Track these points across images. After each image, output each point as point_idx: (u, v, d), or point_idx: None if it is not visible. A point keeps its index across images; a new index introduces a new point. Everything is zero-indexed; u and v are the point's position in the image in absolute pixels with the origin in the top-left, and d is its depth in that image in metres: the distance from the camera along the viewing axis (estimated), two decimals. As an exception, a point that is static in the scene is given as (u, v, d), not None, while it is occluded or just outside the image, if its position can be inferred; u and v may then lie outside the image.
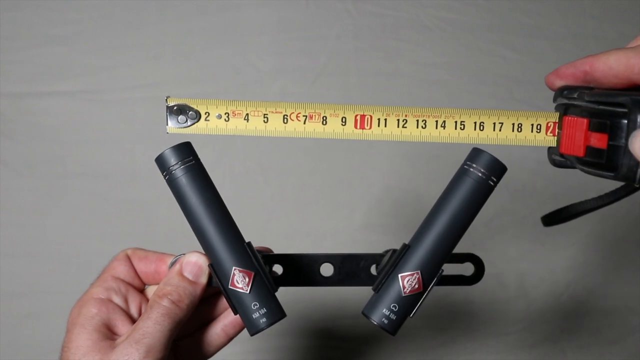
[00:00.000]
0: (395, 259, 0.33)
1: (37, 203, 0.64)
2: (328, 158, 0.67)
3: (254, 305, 0.33)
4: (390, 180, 0.67)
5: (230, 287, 0.33)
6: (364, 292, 0.65)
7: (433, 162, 0.68)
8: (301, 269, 0.38)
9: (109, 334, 0.33)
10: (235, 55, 0.70)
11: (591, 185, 0.68)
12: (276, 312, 0.33)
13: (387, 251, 0.36)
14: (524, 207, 0.67)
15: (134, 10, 0.71)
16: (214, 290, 0.37)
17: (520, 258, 0.66)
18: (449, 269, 0.36)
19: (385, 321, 0.33)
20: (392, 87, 0.70)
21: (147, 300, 0.36)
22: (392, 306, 0.33)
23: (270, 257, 0.37)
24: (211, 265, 0.34)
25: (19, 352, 0.60)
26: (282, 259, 0.38)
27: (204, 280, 0.34)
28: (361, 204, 0.66)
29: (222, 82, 0.69)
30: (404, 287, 0.33)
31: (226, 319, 0.37)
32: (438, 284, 0.34)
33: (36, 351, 0.60)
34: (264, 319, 0.33)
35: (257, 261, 0.34)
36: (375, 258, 0.37)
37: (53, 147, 0.66)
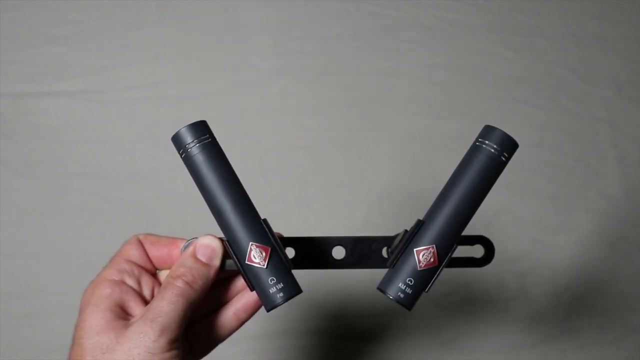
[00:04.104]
0: (410, 234, 0.34)
1: (37, 203, 0.64)
2: (328, 158, 0.67)
3: (270, 280, 0.33)
4: (390, 180, 0.67)
5: (247, 262, 0.33)
6: (364, 293, 0.66)
7: (434, 162, 0.68)
8: (313, 252, 0.38)
9: (123, 314, 0.33)
10: (235, 55, 0.70)
11: (592, 185, 0.69)
12: (293, 287, 0.34)
13: (398, 234, 0.36)
14: (524, 207, 0.67)
15: (134, 10, 0.71)
16: (226, 274, 0.37)
17: (520, 258, 0.66)
18: (458, 252, 0.36)
19: (401, 295, 0.33)
20: (392, 87, 0.70)
21: (160, 283, 0.36)
22: (408, 280, 0.33)
23: (282, 240, 0.37)
24: (227, 242, 0.34)
25: (19, 352, 0.60)
26: (295, 241, 0.38)
27: (217, 262, 0.35)
28: (361, 204, 0.66)
29: (222, 82, 0.69)
30: (419, 261, 0.33)
31: (238, 303, 0.37)
32: (450, 265, 0.35)
33: (36, 351, 0.60)
34: (281, 294, 0.33)
35: (274, 237, 0.34)
36: (387, 240, 0.37)
37: (53, 147, 0.66)
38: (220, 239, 0.35)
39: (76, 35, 0.70)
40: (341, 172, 0.67)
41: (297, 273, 0.35)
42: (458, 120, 0.69)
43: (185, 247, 0.35)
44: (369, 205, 0.66)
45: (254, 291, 0.34)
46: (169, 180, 0.66)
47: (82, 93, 0.68)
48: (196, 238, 0.35)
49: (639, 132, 0.70)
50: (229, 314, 0.37)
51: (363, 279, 0.63)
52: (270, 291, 0.33)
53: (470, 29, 0.73)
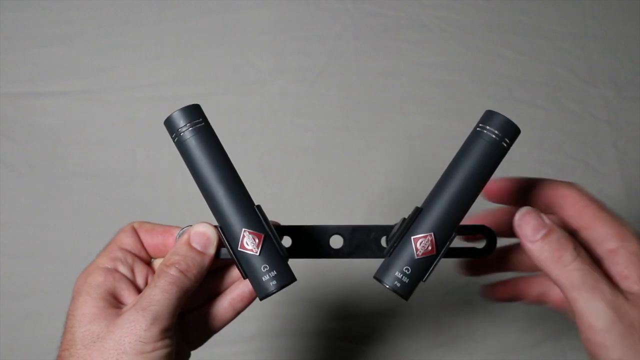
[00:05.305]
0: (408, 222, 0.33)
1: (37, 203, 0.64)
2: (328, 158, 0.67)
3: (263, 267, 0.32)
4: (390, 180, 0.67)
5: (239, 249, 0.33)
6: (363, 293, 0.65)
7: (433, 162, 0.68)
8: (310, 241, 0.37)
9: (115, 302, 0.32)
10: (235, 55, 0.70)
11: (592, 185, 0.69)
12: (286, 275, 0.33)
13: (397, 222, 0.36)
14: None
15: (134, 10, 0.71)
16: (222, 263, 0.36)
17: (520, 258, 0.66)
18: (459, 242, 0.35)
19: (398, 284, 0.32)
20: (392, 87, 0.70)
21: (154, 272, 0.35)
22: (405, 269, 0.32)
23: (279, 229, 0.37)
24: (220, 228, 0.33)
25: (19, 352, 0.60)
26: (292, 230, 0.37)
27: (212, 251, 0.34)
28: (361, 204, 0.66)
29: (222, 82, 0.69)
30: (416, 250, 0.32)
31: (233, 292, 0.36)
32: (450, 255, 0.34)
33: (36, 351, 0.60)
34: (274, 282, 0.32)
35: (267, 224, 0.33)
36: (385, 229, 0.36)
37: (53, 147, 0.66)
38: (215, 226, 0.34)
39: (76, 35, 0.70)
40: (341, 172, 0.67)
41: (297, 270, 0.34)
42: (458, 120, 0.69)
43: (180, 235, 0.35)
44: (369, 205, 0.66)
45: (247, 279, 0.33)
46: (169, 180, 0.66)
47: (82, 93, 0.68)
48: (191, 226, 0.35)
49: (639, 132, 0.70)
50: (225, 303, 0.36)
51: (363, 279, 0.63)
52: (263, 279, 0.32)
53: (470, 29, 0.73)
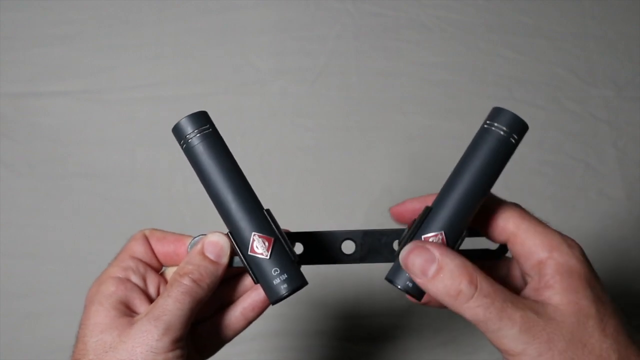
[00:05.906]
0: (418, 222, 0.33)
1: (37, 203, 0.64)
2: (328, 158, 0.67)
3: (274, 271, 0.32)
4: (390, 180, 0.67)
5: (249, 253, 0.33)
6: (363, 293, 0.66)
7: (433, 162, 0.68)
8: (322, 247, 0.37)
9: (127, 312, 0.32)
10: (235, 55, 0.70)
11: (592, 185, 0.69)
12: (297, 279, 0.33)
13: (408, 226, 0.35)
14: (524, 207, 0.67)
15: (134, 10, 0.71)
16: (234, 272, 0.36)
17: (521, 258, 0.66)
18: (473, 244, 0.35)
19: (410, 285, 0.32)
20: (392, 87, 0.70)
21: (166, 281, 0.35)
22: None
23: (289, 236, 0.36)
24: (230, 233, 0.33)
25: (19, 352, 0.60)
26: (302, 236, 0.37)
27: (225, 260, 0.34)
28: (362, 204, 0.66)
29: (222, 82, 0.69)
30: None
31: (245, 302, 0.36)
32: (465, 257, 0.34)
33: (36, 351, 0.60)
34: (285, 285, 0.32)
35: (277, 228, 0.33)
36: (397, 233, 0.36)
37: (53, 147, 0.66)
38: (226, 234, 0.34)
39: (76, 35, 0.70)
40: (341, 172, 0.67)
41: (303, 271, 0.34)
42: (458, 120, 0.69)
43: (193, 244, 0.35)
44: (369, 205, 0.66)
45: (259, 284, 0.33)
46: (169, 180, 0.66)
47: (82, 93, 0.68)
48: (204, 235, 0.35)
49: (639, 132, 0.70)
50: (236, 313, 0.36)
51: (363, 280, 0.63)
52: (274, 282, 0.32)
53: (470, 29, 0.73)
